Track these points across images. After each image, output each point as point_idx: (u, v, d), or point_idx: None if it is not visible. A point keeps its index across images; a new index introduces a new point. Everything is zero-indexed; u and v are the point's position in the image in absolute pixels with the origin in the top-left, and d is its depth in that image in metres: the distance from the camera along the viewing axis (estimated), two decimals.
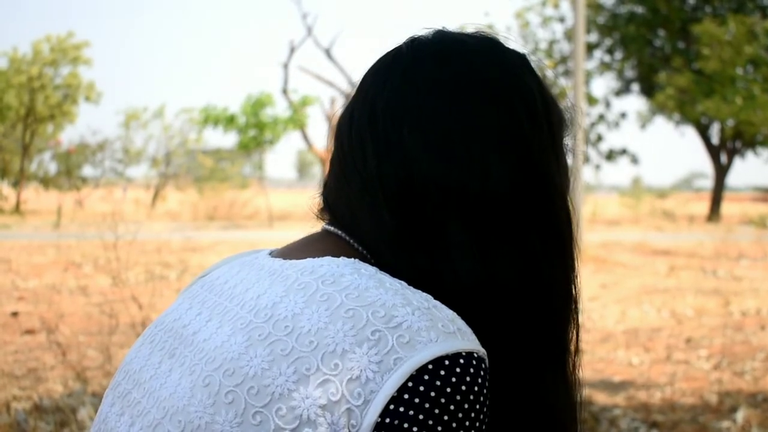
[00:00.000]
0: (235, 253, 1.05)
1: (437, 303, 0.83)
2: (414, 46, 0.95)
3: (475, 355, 0.80)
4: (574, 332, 0.95)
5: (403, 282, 0.85)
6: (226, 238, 17.68)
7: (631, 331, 7.47)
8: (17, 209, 27.35)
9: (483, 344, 0.84)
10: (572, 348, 0.95)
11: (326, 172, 1.00)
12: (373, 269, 0.86)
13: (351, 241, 0.93)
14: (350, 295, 0.82)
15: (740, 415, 4.55)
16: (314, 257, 0.90)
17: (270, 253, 0.97)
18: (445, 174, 0.88)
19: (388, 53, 0.97)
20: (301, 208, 30.09)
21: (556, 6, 30.59)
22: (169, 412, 0.84)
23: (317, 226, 0.99)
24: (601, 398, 5.08)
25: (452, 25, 0.99)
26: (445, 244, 0.88)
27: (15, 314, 7.56)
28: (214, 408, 0.80)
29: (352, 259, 0.88)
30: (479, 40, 0.95)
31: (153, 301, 6.06)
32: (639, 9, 30.50)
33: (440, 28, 0.97)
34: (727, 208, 33.70)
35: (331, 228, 0.95)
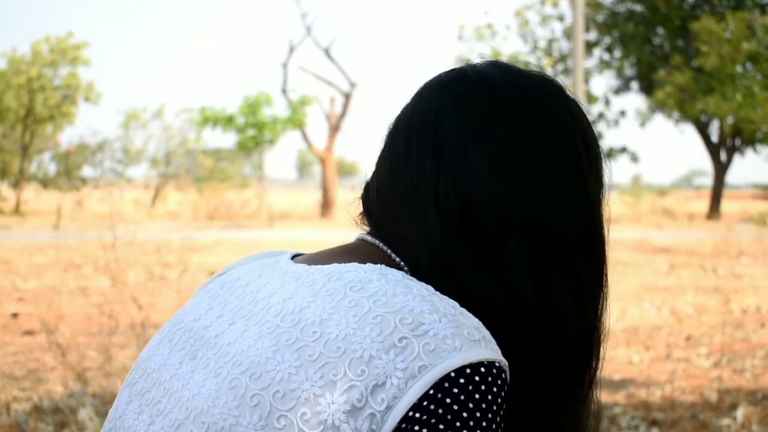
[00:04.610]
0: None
1: (464, 310, 0.84)
2: (479, 71, 0.97)
3: (497, 364, 0.82)
4: (597, 362, 1.00)
5: (430, 287, 0.86)
6: (226, 238, 17.66)
7: (631, 329, 7.47)
8: (17, 210, 27.32)
9: (513, 363, 0.86)
10: (595, 376, 1.00)
11: (369, 175, 1.00)
12: (400, 274, 0.87)
13: (387, 251, 0.94)
14: (378, 301, 0.83)
15: (740, 413, 4.55)
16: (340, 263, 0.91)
17: (292, 258, 0.98)
18: (506, 198, 0.91)
19: (452, 71, 0.99)
20: (301, 207, 30.01)
21: (555, 4, 30.58)
22: (193, 413, 0.84)
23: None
24: (601, 396, 5.08)
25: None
26: (499, 262, 0.90)
27: (15, 315, 7.56)
28: (239, 410, 0.81)
29: (379, 264, 0.89)
30: (546, 81, 0.98)
31: (153, 301, 6.06)
32: (638, 7, 30.47)
33: (494, 59, 1.00)
34: (727, 205, 33.66)
35: (369, 238, 0.96)
